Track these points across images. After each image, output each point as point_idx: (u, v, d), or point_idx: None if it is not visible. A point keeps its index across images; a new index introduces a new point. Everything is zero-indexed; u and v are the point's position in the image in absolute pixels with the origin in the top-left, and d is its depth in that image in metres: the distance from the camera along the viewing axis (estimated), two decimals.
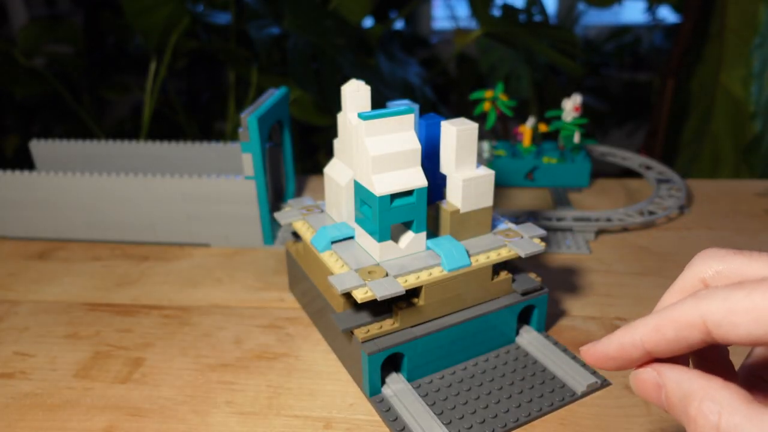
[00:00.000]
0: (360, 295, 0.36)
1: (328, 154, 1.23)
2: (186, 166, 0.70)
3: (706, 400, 0.21)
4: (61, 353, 0.46)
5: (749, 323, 0.20)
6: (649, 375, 0.23)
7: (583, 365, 0.42)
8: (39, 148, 0.71)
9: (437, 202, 0.42)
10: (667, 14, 1.81)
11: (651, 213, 0.64)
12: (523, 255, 0.40)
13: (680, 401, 0.22)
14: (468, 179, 0.40)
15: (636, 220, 0.62)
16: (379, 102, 0.56)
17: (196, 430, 0.38)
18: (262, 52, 0.95)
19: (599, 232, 0.63)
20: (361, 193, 0.39)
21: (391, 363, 0.40)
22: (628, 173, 0.81)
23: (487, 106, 0.68)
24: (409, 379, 0.40)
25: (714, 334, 0.21)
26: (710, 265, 0.24)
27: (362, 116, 0.36)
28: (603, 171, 0.80)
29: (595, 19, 2.07)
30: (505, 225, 0.44)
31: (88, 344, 0.47)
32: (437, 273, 0.39)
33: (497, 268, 0.43)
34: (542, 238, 0.44)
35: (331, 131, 1.22)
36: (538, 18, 1.41)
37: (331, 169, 0.45)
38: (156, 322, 0.50)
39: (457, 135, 0.39)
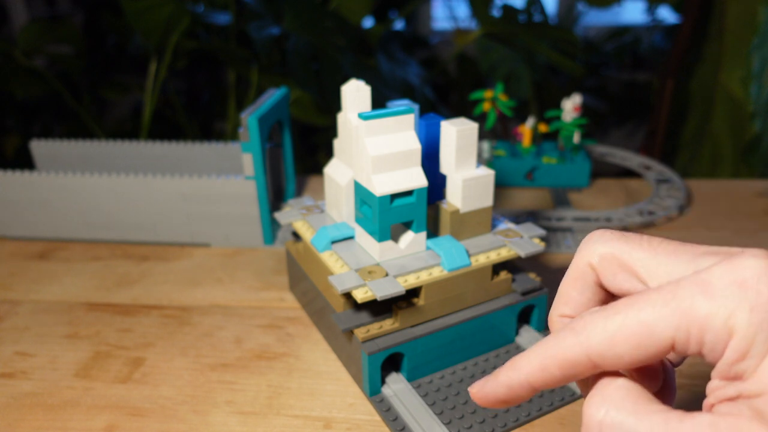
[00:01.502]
0: (360, 295, 0.36)
1: (328, 154, 1.23)
2: (186, 166, 0.70)
3: (596, 395, 0.20)
4: (61, 353, 0.46)
5: (631, 350, 0.19)
6: None
7: None
8: (39, 148, 0.71)
9: (437, 202, 0.42)
10: (666, 15, 1.82)
11: (650, 213, 0.64)
12: (522, 255, 0.41)
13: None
14: (468, 179, 0.40)
15: (635, 220, 0.62)
16: (379, 102, 0.56)
17: (196, 429, 0.38)
18: (262, 52, 0.95)
19: None
20: (361, 193, 0.39)
21: (391, 363, 0.40)
22: (628, 173, 0.81)
23: (486, 106, 0.68)
24: (409, 379, 0.40)
25: (601, 365, 0.20)
26: (595, 249, 0.23)
27: (362, 116, 0.36)
28: (603, 171, 0.81)
29: (595, 19, 2.07)
30: (505, 225, 0.45)
31: (88, 344, 0.47)
32: (437, 273, 0.39)
33: (497, 268, 0.43)
34: (542, 238, 0.44)
35: (331, 131, 1.22)
36: (537, 18, 1.41)
37: (331, 169, 0.45)
38: (156, 321, 0.50)
39: (457, 135, 0.39)
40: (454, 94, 1.66)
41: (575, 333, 0.20)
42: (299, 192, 0.73)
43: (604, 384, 0.21)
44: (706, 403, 0.20)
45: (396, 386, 0.40)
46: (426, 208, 0.39)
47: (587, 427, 0.20)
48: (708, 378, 0.20)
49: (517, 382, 0.22)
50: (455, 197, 0.41)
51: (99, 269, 0.58)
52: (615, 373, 0.21)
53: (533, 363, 0.21)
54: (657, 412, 0.19)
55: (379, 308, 0.40)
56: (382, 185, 0.37)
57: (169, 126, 1.42)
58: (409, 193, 0.38)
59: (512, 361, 0.22)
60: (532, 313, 0.45)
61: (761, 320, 0.18)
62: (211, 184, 0.58)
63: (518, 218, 0.61)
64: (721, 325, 0.18)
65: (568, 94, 0.72)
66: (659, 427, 0.18)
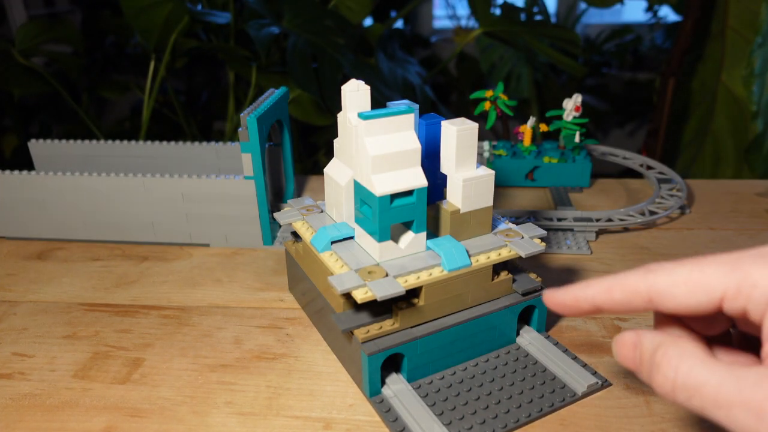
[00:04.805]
0: (360, 296, 0.36)
1: (328, 154, 1.23)
2: (186, 166, 0.70)
3: (672, 346, 0.24)
4: (60, 354, 0.46)
5: (686, 294, 0.24)
6: (629, 336, 0.26)
7: (584, 366, 0.42)
8: (38, 148, 0.70)
9: (437, 202, 0.42)
10: (668, 13, 1.81)
11: (652, 213, 0.63)
12: (523, 255, 0.40)
13: (651, 354, 0.25)
14: (468, 179, 0.40)
15: (637, 220, 0.62)
16: (379, 102, 0.56)
17: (195, 430, 0.38)
18: (261, 51, 0.95)
19: (600, 232, 0.62)
20: (361, 193, 0.39)
21: (391, 363, 0.40)
22: (629, 173, 0.80)
23: (487, 105, 0.68)
24: (409, 380, 0.40)
25: (655, 301, 0.24)
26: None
27: (362, 116, 0.36)
28: (604, 171, 0.80)
29: (596, 18, 2.07)
30: (506, 225, 0.44)
31: (87, 344, 0.47)
32: (437, 273, 0.39)
33: (497, 268, 0.42)
34: (542, 239, 0.44)
35: (331, 131, 1.22)
36: (538, 17, 1.41)
37: (331, 169, 0.45)
38: (155, 322, 0.49)
39: (457, 135, 0.39)
40: (454, 93, 1.66)
41: (647, 270, 0.25)
42: (299, 192, 0.73)
43: (678, 339, 0.25)
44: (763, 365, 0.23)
45: (396, 387, 0.40)
46: (426, 208, 0.39)
47: (663, 379, 0.24)
48: None
49: (584, 295, 0.27)
50: (455, 197, 0.40)
51: (98, 269, 0.58)
52: (687, 336, 0.25)
53: (602, 284, 0.26)
54: (721, 363, 0.23)
55: (379, 309, 0.40)
56: (382, 185, 0.37)
57: (168, 126, 1.42)
58: (409, 193, 0.38)
59: (586, 282, 0.27)
60: (533, 313, 0.45)
61: None
62: (210, 184, 0.58)
63: (519, 218, 0.61)
64: None
65: (568, 93, 0.72)
66: (725, 373, 0.22)
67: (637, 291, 0.25)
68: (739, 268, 0.23)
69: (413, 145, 0.37)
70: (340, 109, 0.44)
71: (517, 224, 0.44)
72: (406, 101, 0.44)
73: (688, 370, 0.23)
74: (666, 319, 0.27)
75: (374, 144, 0.36)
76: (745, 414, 0.21)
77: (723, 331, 0.27)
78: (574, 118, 0.69)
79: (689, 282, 0.23)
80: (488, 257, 0.41)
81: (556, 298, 0.28)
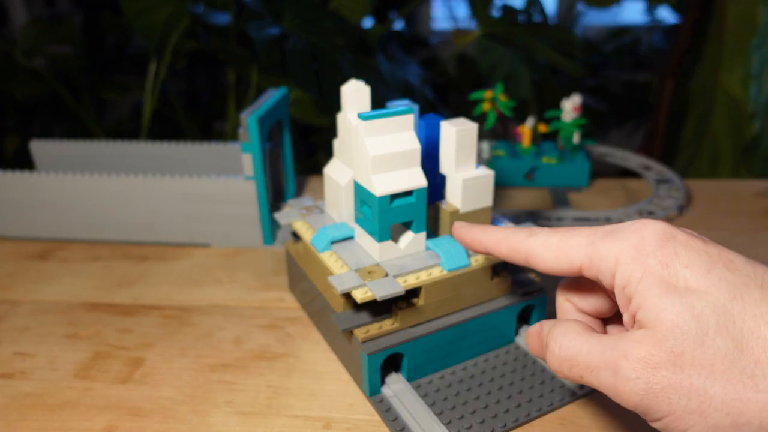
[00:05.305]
0: (360, 296, 0.36)
1: (328, 154, 1.23)
2: (186, 166, 0.70)
3: (558, 326, 0.28)
4: (61, 353, 0.46)
5: (552, 259, 0.27)
6: (533, 327, 0.30)
7: None
8: (39, 148, 0.71)
9: (437, 202, 0.42)
10: (666, 15, 1.82)
11: (650, 213, 0.64)
12: None
13: (545, 337, 0.28)
14: (468, 179, 0.40)
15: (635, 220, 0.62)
16: (379, 102, 0.56)
17: (196, 430, 0.38)
18: (261, 52, 0.95)
19: None
20: (361, 193, 0.39)
21: (391, 363, 0.40)
22: (628, 173, 0.81)
23: (486, 106, 0.68)
24: (409, 379, 0.40)
25: (530, 261, 0.29)
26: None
27: (362, 116, 0.36)
28: (602, 171, 0.81)
29: (595, 19, 2.07)
30: (505, 225, 0.44)
31: (88, 344, 0.47)
32: (437, 273, 0.39)
33: (497, 268, 0.43)
34: None
35: (331, 131, 1.22)
36: (537, 18, 1.41)
37: (331, 169, 0.45)
38: (156, 322, 0.50)
39: (457, 135, 0.39)
40: (454, 94, 1.66)
41: (530, 233, 0.29)
42: (299, 192, 0.73)
43: (561, 321, 0.28)
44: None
45: (396, 386, 0.40)
46: (426, 208, 0.39)
47: (551, 356, 0.27)
48: None
49: (479, 239, 0.32)
50: (455, 197, 0.41)
51: (99, 269, 0.58)
52: (571, 319, 0.29)
53: (495, 235, 0.31)
54: (594, 334, 0.26)
55: (378, 308, 0.40)
56: (381, 185, 0.37)
57: (168, 126, 1.42)
58: (408, 193, 0.38)
59: (487, 227, 0.32)
60: (532, 313, 0.45)
61: (642, 255, 0.24)
62: (210, 184, 0.58)
63: (518, 218, 0.61)
64: (612, 257, 0.25)
65: (567, 94, 0.72)
66: (594, 341, 0.26)
67: (518, 249, 0.29)
68: (592, 242, 0.26)
69: (413, 145, 0.38)
70: (340, 109, 0.45)
71: (516, 224, 0.44)
72: (406, 101, 0.44)
73: (568, 343, 0.26)
74: (566, 309, 0.31)
75: (374, 144, 0.37)
76: (606, 373, 0.24)
77: (614, 313, 0.31)
78: (573, 118, 0.70)
79: (557, 250, 0.27)
80: (487, 257, 0.41)
81: (460, 231, 0.33)
